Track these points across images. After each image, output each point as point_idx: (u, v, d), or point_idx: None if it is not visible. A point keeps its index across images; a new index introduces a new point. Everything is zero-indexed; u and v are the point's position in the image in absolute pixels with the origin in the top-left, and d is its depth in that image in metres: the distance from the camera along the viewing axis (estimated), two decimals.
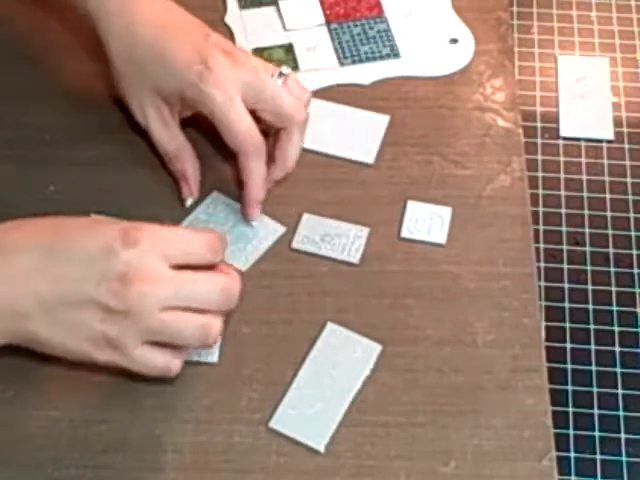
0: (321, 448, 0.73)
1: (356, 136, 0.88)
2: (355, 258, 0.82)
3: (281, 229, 0.83)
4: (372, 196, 0.85)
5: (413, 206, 0.84)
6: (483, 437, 0.74)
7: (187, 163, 0.85)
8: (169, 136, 0.84)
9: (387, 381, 0.76)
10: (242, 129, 0.80)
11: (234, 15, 0.96)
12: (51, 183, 0.85)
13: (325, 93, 0.91)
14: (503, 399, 0.75)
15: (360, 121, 0.89)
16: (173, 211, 0.84)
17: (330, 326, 0.78)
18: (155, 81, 0.82)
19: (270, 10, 0.96)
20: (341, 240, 0.82)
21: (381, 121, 0.89)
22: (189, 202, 0.85)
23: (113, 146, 0.87)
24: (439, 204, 0.85)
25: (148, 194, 0.85)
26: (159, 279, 0.69)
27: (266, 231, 0.83)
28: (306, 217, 0.84)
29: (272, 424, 0.74)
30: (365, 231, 0.83)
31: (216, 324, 0.71)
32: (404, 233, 0.83)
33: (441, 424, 0.74)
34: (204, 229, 0.79)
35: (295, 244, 0.82)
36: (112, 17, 0.83)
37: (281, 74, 0.82)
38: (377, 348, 0.77)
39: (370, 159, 0.87)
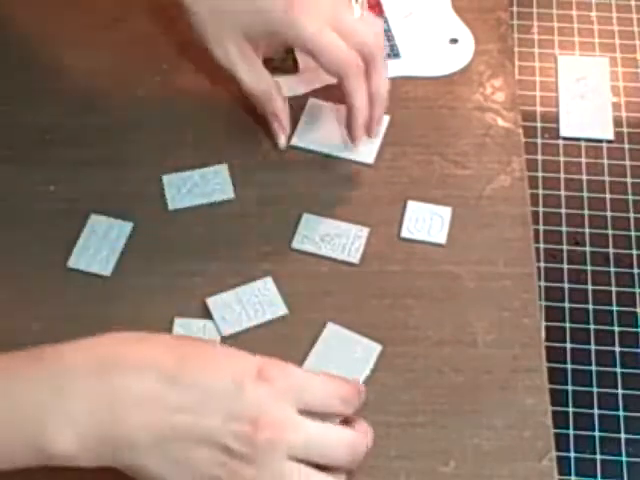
0: None
1: None
2: (355, 258, 0.82)
3: None
4: (372, 196, 0.85)
5: (413, 206, 0.84)
6: (483, 437, 0.74)
7: (277, 101, 0.85)
8: (258, 77, 0.85)
9: (387, 381, 0.76)
10: (338, 53, 0.81)
11: None
12: (51, 183, 0.85)
13: (325, 93, 0.91)
14: (503, 399, 0.75)
15: None
16: (168, 217, 0.84)
17: (330, 326, 0.78)
18: (242, 20, 0.82)
19: None
20: (341, 240, 0.82)
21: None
22: (282, 140, 0.86)
23: (113, 146, 0.87)
24: (439, 204, 0.85)
25: (148, 193, 0.85)
26: (289, 426, 0.63)
27: None
28: (306, 217, 0.84)
29: None
30: (365, 231, 0.83)
31: None
32: (404, 233, 0.83)
33: (441, 424, 0.74)
34: (340, 377, 0.69)
35: (295, 244, 0.82)
36: None
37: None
38: (377, 348, 0.77)
39: (370, 159, 0.87)
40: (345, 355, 0.77)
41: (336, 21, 0.82)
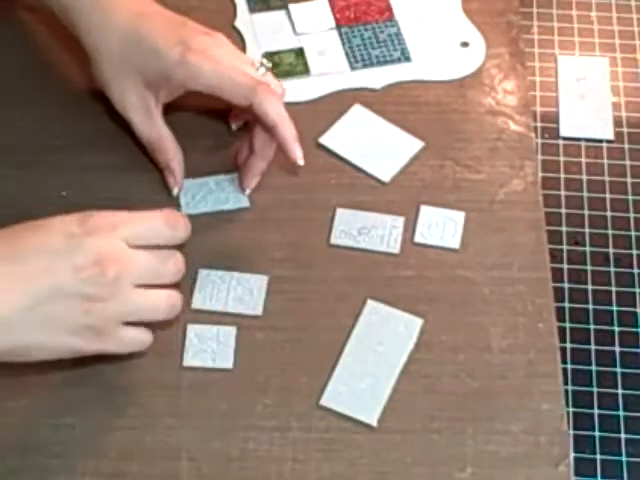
0: (374, 422, 0.74)
1: (383, 152, 0.87)
2: (395, 249, 0.82)
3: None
4: (385, 201, 0.85)
5: (426, 211, 0.84)
6: (499, 443, 0.74)
7: (170, 153, 0.84)
8: (151, 126, 0.83)
9: (402, 387, 0.76)
10: (245, 79, 0.79)
11: (244, 19, 0.95)
12: (63, 189, 0.85)
13: (337, 97, 0.90)
14: (518, 404, 0.75)
15: (393, 140, 0.88)
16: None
17: (370, 303, 0.79)
18: (137, 68, 0.81)
19: (280, 14, 0.96)
20: (378, 232, 0.82)
21: (414, 145, 0.88)
22: (175, 191, 0.84)
23: (124, 151, 0.87)
24: (452, 209, 0.84)
25: (160, 199, 0.85)
26: (127, 259, 0.69)
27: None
28: (340, 212, 0.83)
29: (323, 402, 0.74)
30: (400, 221, 0.83)
31: (176, 293, 0.73)
32: (417, 238, 0.83)
33: (457, 430, 0.74)
34: (164, 209, 0.73)
35: (333, 240, 0.82)
36: (86, 11, 0.83)
37: (262, 65, 0.83)
38: (419, 322, 0.78)
39: (386, 178, 0.86)
40: (388, 331, 0.77)
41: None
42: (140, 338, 0.73)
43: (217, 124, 0.88)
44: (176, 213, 0.73)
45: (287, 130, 0.80)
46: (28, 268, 0.68)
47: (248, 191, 0.84)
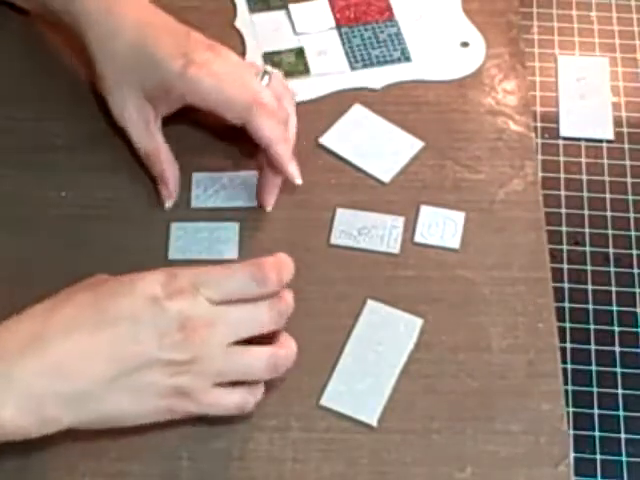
0: (374, 422, 0.74)
1: (383, 152, 0.87)
2: (395, 249, 0.82)
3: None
4: (385, 201, 0.85)
5: (426, 211, 0.84)
6: (499, 443, 0.74)
7: (164, 163, 0.83)
8: (148, 138, 0.83)
9: (402, 387, 0.76)
10: (242, 98, 0.79)
11: (244, 19, 0.95)
12: (62, 189, 0.85)
13: (337, 97, 0.90)
14: (519, 404, 0.75)
15: (393, 140, 0.88)
16: (186, 216, 0.84)
17: (370, 303, 0.79)
18: (139, 79, 0.81)
19: (280, 14, 0.95)
20: (378, 232, 0.82)
21: (414, 145, 0.88)
22: (168, 204, 0.84)
23: (124, 152, 0.87)
24: (452, 209, 0.84)
25: (160, 199, 0.85)
26: (214, 320, 0.68)
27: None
28: (340, 212, 0.83)
29: (323, 402, 0.74)
30: (400, 220, 0.83)
31: (282, 351, 0.71)
32: (417, 238, 0.83)
33: (457, 430, 0.74)
34: (255, 260, 0.70)
35: (333, 239, 0.82)
36: (96, 23, 0.82)
37: (265, 73, 0.82)
38: (419, 322, 0.78)
39: (386, 178, 0.86)
40: (389, 331, 0.77)
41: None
42: (237, 401, 0.71)
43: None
44: (266, 266, 0.69)
45: (281, 150, 0.80)
46: (112, 337, 0.66)
47: (269, 208, 0.84)
